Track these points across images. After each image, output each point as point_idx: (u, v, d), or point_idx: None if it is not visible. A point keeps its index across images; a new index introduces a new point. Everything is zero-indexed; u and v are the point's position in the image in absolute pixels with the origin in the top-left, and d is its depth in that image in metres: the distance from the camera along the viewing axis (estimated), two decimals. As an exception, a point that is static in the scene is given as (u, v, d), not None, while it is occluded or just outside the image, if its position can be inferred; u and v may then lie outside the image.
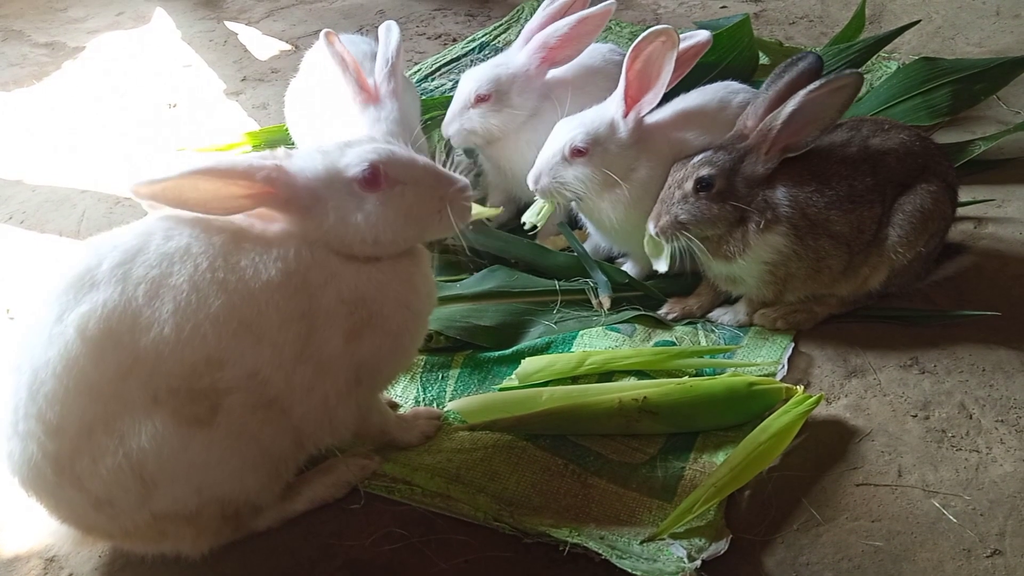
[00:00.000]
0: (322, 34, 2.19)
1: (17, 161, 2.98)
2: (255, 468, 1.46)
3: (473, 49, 3.62)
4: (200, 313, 1.35)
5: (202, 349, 1.35)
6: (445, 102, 3.01)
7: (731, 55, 3.06)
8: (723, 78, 2.95)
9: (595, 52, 2.40)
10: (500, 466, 1.72)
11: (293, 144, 2.68)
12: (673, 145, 2.09)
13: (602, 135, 2.04)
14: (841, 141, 2.00)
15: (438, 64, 3.49)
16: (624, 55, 2.46)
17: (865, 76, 2.98)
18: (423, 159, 1.53)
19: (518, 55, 2.31)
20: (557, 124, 2.11)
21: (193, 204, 1.38)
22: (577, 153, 2.03)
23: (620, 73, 2.35)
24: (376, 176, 1.46)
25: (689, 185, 1.94)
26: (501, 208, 2.43)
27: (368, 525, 1.64)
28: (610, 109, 2.07)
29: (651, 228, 2.00)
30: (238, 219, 1.46)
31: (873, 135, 2.01)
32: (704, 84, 2.31)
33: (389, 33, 2.32)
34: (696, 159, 1.96)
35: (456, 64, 3.51)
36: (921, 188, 1.96)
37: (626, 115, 2.04)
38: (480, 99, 2.30)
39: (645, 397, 1.78)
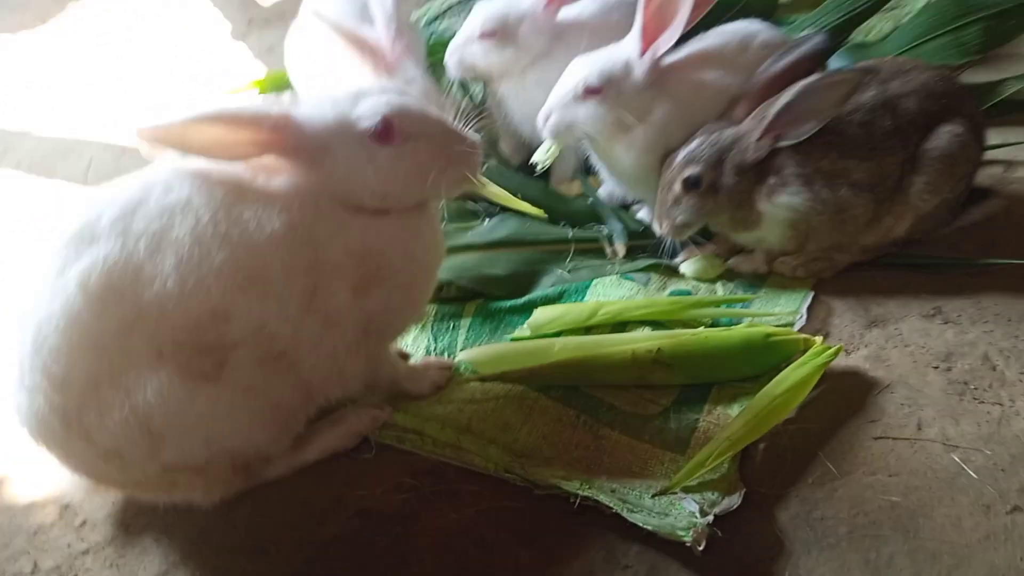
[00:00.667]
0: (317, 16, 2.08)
1: (22, 109, 2.95)
2: (264, 421, 1.45)
3: (484, -12, 3.50)
4: (203, 267, 1.32)
5: (206, 302, 1.33)
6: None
7: (749, -8, 2.95)
8: (743, 14, 2.88)
9: (609, -10, 2.31)
10: (511, 417, 1.70)
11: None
12: (691, 87, 2.01)
13: (617, 74, 1.96)
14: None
15: (448, 4, 3.39)
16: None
17: (892, 11, 2.89)
18: (436, 113, 1.48)
19: (529, -8, 2.22)
20: (571, 63, 2.04)
21: (198, 149, 1.34)
22: (590, 92, 1.96)
23: (634, 12, 2.29)
24: (389, 130, 1.40)
25: (677, 187, 1.89)
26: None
27: (379, 475, 1.63)
28: (626, 48, 1.99)
29: (655, 229, 1.96)
30: (241, 171, 1.43)
31: (892, 77, 1.91)
32: (724, 23, 2.22)
33: None
34: (680, 156, 1.90)
35: (465, 4, 3.40)
36: (946, 131, 1.88)
37: (642, 55, 1.96)
38: (485, 34, 2.22)
39: (659, 348, 1.74)
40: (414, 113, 1.44)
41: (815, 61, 1.89)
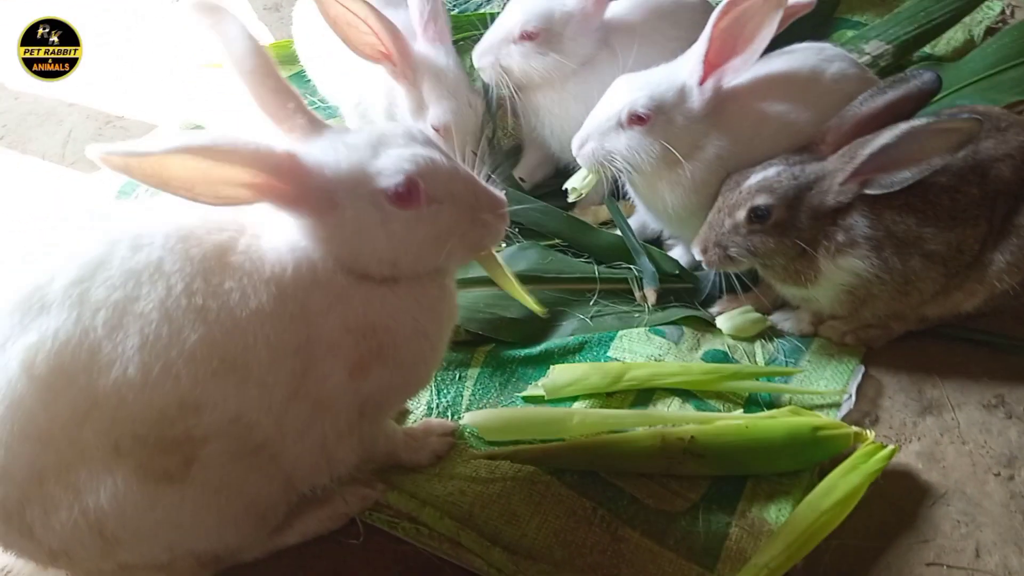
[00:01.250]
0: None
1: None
2: (236, 522, 1.25)
3: (518, -48, 3.17)
4: (172, 349, 1.10)
5: (174, 392, 1.11)
6: (480, 20, 2.66)
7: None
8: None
9: (663, -11, 2.02)
10: (519, 506, 1.50)
11: (305, 75, 2.35)
12: (752, 120, 1.75)
13: (669, 102, 1.70)
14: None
15: (476, -32, 3.07)
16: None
17: (964, 21, 2.61)
18: (464, 171, 1.23)
19: (578, -11, 1.93)
20: (616, 80, 1.77)
21: (176, 186, 1.05)
22: (637, 120, 1.70)
23: (694, 19, 2.01)
24: (411, 192, 1.15)
25: (741, 214, 1.64)
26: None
27: (367, 564, 1.45)
28: (682, 72, 1.72)
29: (696, 255, 1.71)
30: (224, 224, 1.19)
31: (986, 136, 1.66)
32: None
33: None
34: (752, 180, 1.64)
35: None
36: (1041, 205, 1.64)
37: (702, 82, 1.69)
38: (526, 35, 1.93)
39: (692, 437, 1.54)
40: (442, 173, 1.19)
41: (921, 101, 1.63)
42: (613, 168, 1.77)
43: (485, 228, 1.25)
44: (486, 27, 2.32)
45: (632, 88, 1.72)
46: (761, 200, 1.63)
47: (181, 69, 2.60)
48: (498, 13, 2.74)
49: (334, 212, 1.16)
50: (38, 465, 1.12)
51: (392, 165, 1.15)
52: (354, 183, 1.15)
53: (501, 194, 1.26)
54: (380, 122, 2.09)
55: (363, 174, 1.15)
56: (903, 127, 1.52)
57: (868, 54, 2.39)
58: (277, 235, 1.20)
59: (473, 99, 1.97)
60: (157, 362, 1.09)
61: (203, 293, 1.12)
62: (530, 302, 1.52)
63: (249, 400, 1.16)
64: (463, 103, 1.93)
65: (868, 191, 1.60)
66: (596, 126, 1.75)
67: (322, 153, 1.16)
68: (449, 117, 1.91)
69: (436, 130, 1.93)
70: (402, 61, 1.88)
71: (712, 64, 1.67)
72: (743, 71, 1.67)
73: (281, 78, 1.19)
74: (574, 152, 1.79)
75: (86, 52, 2.65)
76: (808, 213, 1.64)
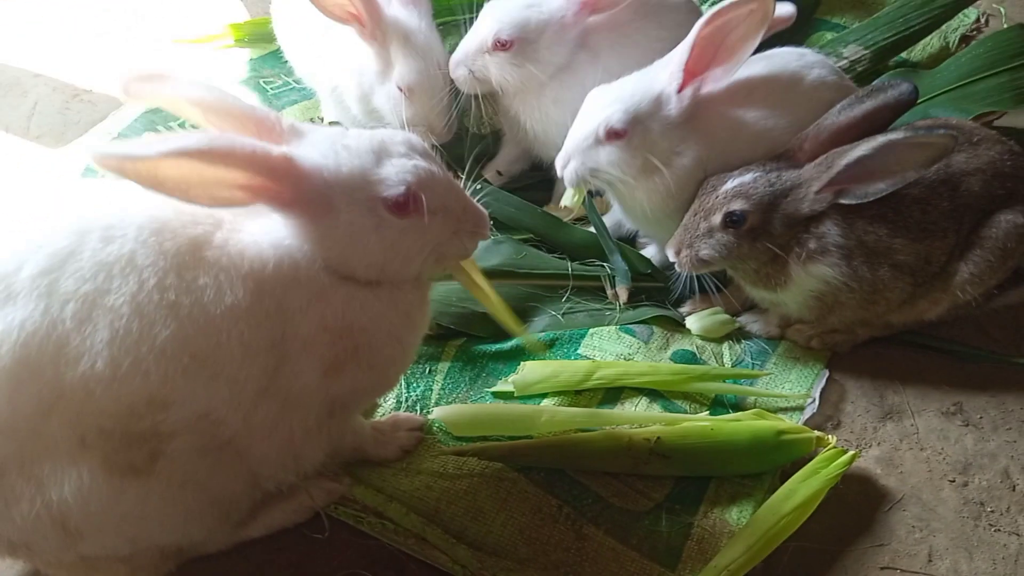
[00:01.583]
0: None
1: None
2: (200, 516, 1.24)
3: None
4: (143, 345, 1.08)
5: (143, 388, 1.09)
6: (462, 5, 2.63)
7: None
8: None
9: (646, -11, 2.00)
10: (485, 502, 1.51)
11: (281, 54, 2.30)
12: (729, 126, 1.75)
13: (644, 112, 1.70)
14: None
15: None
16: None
17: (940, 28, 2.63)
18: (457, 185, 1.26)
19: (556, -7, 1.91)
20: (590, 94, 1.76)
21: (171, 188, 1.04)
22: (614, 135, 1.70)
23: (677, 19, 2.01)
24: (409, 203, 1.17)
25: (717, 219, 1.65)
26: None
27: (331, 559, 1.45)
28: (658, 79, 1.72)
29: (670, 255, 1.72)
30: (199, 218, 1.17)
31: (958, 149, 1.68)
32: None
33: None
34: (729, 185, 1.65)
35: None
36: (1005, 220, 1.67)
37: (681, 90, 1.69)
38: (500, 44, 1.90)
39: (658, 438, 1.56)
40: (440, 186, 1.21)
41: (897, 111, 1.65)
42: (597, 182, 1.78)
43: (462, 242, 1.27)
44: (470, 11, 2.31)
45: (607, 102, 1.71)
46: (737, 206, 1.65)
47: (150, 42, 2.54)
48: (479, -1, 2.74)
49: (329, 215, 1.16)
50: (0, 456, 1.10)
51: (395, 175, 1.16)
52: (353, 188, 1.16)
53: (484, 212, 1.28)
54: (353, 105, 2.06)
55: (364, 180, 1.16)
56: (880, 140, 1.54)
57: (846, 58, 2.41)
58: (258, 230, 1.19)
59: (443, 61, 1.94)
60: (127, 357, 1.08)
61: (176, 288, 1.10)
62: (507, 319, 1.50)
63: (218, 397, 1.15)
64: (431, 64, 1.90)
65: (843, 200, 1.62)
66: (575, 144, 1.74)
67: (321, 156, 1.16)
68: (414, 77, 1.89)
69: (400, 90, 1.90)
70: (371, 21, 1.86)
71: (692, 72, 1.67)
72: (723, 80, 1.67)
73: (248, 105, 1.18)
74: (558, 172, 1.79)
75: (54, 21, 2.59)
76: (782, 220, 1.66)
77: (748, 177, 1.67)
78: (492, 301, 1.46)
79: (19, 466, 1.10)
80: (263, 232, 1.18)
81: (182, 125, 2.20)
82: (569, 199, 1.87)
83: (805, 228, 1.66)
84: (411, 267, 1.24)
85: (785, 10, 1.81)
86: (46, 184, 1.91)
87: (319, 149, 1.16)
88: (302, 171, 1.13)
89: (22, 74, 2.41)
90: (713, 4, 2.67)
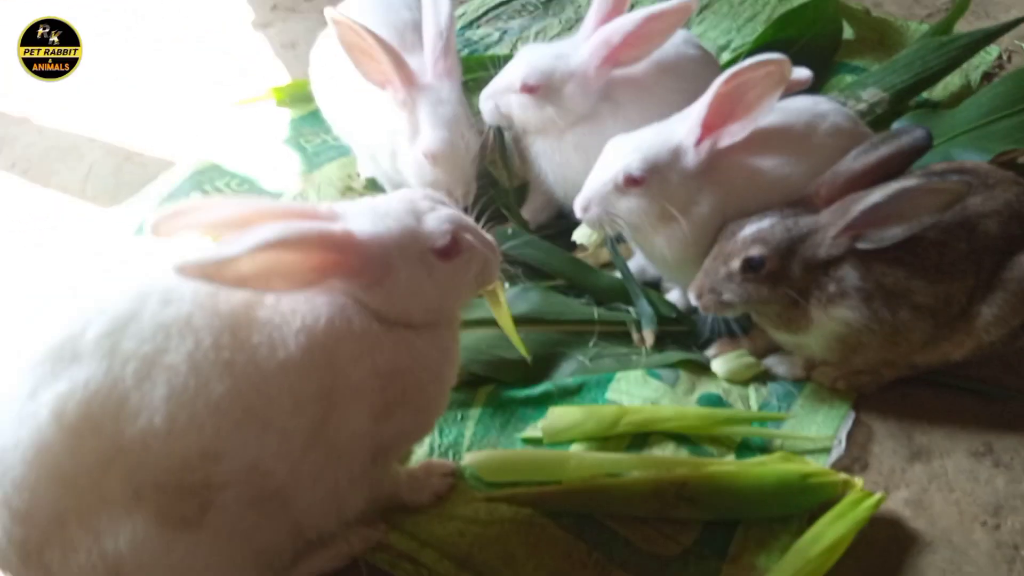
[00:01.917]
0: (328, 17, 1.88)
1: (24, 92, 2.75)
2: (245, 566, 1.31)
3: (527, -10, 3.26)
4: (199, 401, 1.17)
5: (197, 442, 1.18)
6: (489, 61, 2.74)
7: (813, 30, 2.73)
8: (803, 55, 2.65)
9: (667, 43, 2.06)
10: (517, 547, 1.56)
11: (320, 114, 2.42)
12: (746, 175, 1.80)
13: (663, 162, 1.76)
14: (936, 197, 1.72)
15: (485, 7, 3.16)
16: (701, 47, 2.18)
17: (961, 67, 2.66)
18: (471, 219, 1.39)
19: (581, 47, 2.00)
20: (610, 143, 1.84)
21: (254, 282, 1.14)
22: (632, 182, 1.77)
23: (696, 71, 2.08)
24: (455, 245, 1.31)
25: (736, 263, 1.69)
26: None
27: (368, 603, 1.51)
28: (677, 132, 1.79)
29: (692, 299, 1.77)
30: None
31: (975, 192, 1.71)
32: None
33: (437, 3, 2.02)
34: (747, 230, 1.70)
35: (506, 8, 3.17)
36: (1027, 261, 1.70)
37: (698, 143, 1.75)
38: (527, 88, 2.02)
39: (685, 482, 1.60)
40: (469, 226, 1.35)
41: (912, 157, 1.69)
42: (615, 227, 1.84)
43: (492, 266, 1.40)
44: (496, 67, 2.41)
45: (626, 151, 1.78)
46: (756, 251, 1.69)
47: (197, 104, 2.68)
48: (507, 55, 2.85)
49: (390, 275, 1.27)
50: (60, 508, 1.18)
51: (438, 226, 1.29)
52: (405, 246, 1.27)
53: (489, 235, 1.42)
54: (386, 163, 2.16)
55: (412, 238, 1.28)
56: (894, 186, 1.58)
57: (865, 101, 2.45)
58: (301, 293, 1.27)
59: (468, 135, 2.01)
60: (183, 413, 1.16)
61: (230, 347, 1.19)
62: (519, 343, 1.65)
63: (268, 448, 1.23)
64: (456, 135, 1.97)
65: (859, 245, 1.66)
66: (595, 191, 1.81)
67: (371, 225, 1.26)
68: (438, 146, 1.96)
69: (425, 157, 1.98)
70: (403, 89, 1.96)
71: (710, 127, 1.74)
72: (739, 135, 1.73)
73: (283, 204, 1.29)
74: (578, 215, 1.85)
75: (107, 86, 2.75)
76: (801, 264, 1.70)
77: (766, 223, 1.71)
78: (510, 322, 1.62)
79: (78, 517, 1.18)
80: (315, 291, 1.26)
81: (228, 185, 2.33)
82: (585, 237, 1.93)
83: (824, 272, 1.70)
84: (460, 302, 1.41)
85: (802, 74, 1.87)
86: (109, 246, 2.05)
87: (367, 220, 1.27)
88: (362, 242, 1.23)
89: (79, 139, 2.56)
90: (732, 58, 2.76)
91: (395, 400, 1.32)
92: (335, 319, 1.25)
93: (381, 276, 1.26)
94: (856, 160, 1.71)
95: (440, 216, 1.31)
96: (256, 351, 1.20)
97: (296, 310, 1.24)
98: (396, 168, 2.13)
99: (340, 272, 1.23)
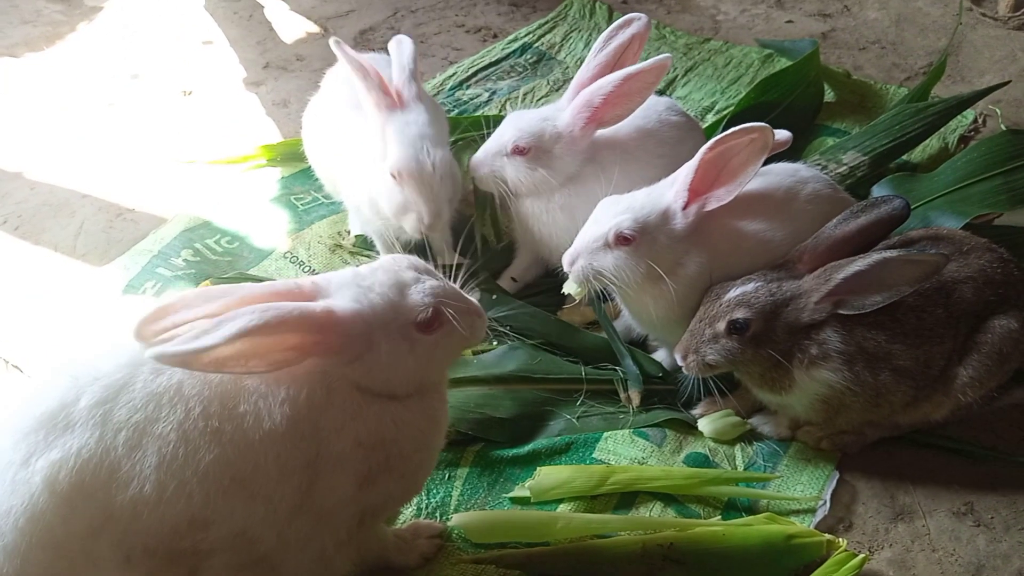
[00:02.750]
0: (331, 42, 1.99)
1: (18, 148, 2.79)
2: (234, 631, 1.31)
3: (514, 52, 3.36)
4: (187, 469, 1.18)
5: (186, 509, 1.19)
6: (476, 122, 2.81)
7: (796, 92, 2.82)
8: (785, 116, 2.73)
9: (650, 110, 2.15)
10: (504, 610, 1.56)
11: (311, 172, 2.47)
12: (731, 238, 1.86)
13: (652, 224, 1.81)
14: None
15: (475, 68, 3.24)
16: (683, 113, 2.25)
17: (939, 131, 2.75)
18: (456, 287, 1.39)
19: (565, 110, 2.07)
20: (602, 202, 1.89)
21: (233, 366, 1.16)
22: (622, 241, 1.81)
23: (679, 136, 2.15)
24: (436, 319, 1.31)
25: (721, 326, 1.74)
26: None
27: (354, 668, 1.50)
28: (666, 195, 1.84)
29: (678, 359, 1.81)
30: None
31: (950, 258, 1.77)
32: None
33: (401, 45, 2.13)
34: (732, 294, 1.75)
35: (495, 69, 3.26)
36: (999, 325, 1.74)
37: (686, 207, 1.81)
38: (517, 150, 2.08)
39: (672, 544, 1.60)
40: (451, 296, 1.36)
41: (891, 225, 1.76)
42: (602, 283, 1.87)
43: (477, 331, 1.41)
44: (483, 128, 2.47)
45: (618, 210, 1.83)
46: (740, 314, 1.73)
47: (188, 162, 2.72)
48: (496, 115, 2.92)
49: (371, 350, 1.28)
50: (51, 574, 1.18)
51: (421, 299, 1.30)
52: (387, 321, 1.29)
53: (474, 299, 1.42)
54: (370, 215, 2.20)
55: (394, 313, 1.29)
56: (875, 256, 1.63)
57: (846, 164, 2.52)
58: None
59: (435, 153, 2.01)
60: (172, 481, 1.17)
61: (219, 416, 1.21)
62: None
63: (255, 515, 1.24)
64: (420, 152, 1.99)
65: (841, 311, 1.70)
66: (584, 245, 1.85)
67: (354, 302, 1.28)
68: (402, 165, 1.99)
69: (392, 176, 2.01)
70: (376, 114, 2.03)
71: (696, 192, 1.79)
72: (725, 199, 1.78)
73: (267, 284, 1.29)
74: (565, 268, 1.89)
75: (99, 142, 2.79)
76: (784, 327, 1.74)
77: (750, 287, 1.75)
78: None
79: (68, 583, 1.18)
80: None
81: (219, 242, 2.35)
82: (573, 289, 1.96)
83: (806, 335, 1.74)
84: (442, 372, 1.41)
85: (782, 136, 1.93)
86: (100, 307, 2.06)
87: (349, 295, 1.28)
88: (343, 319, 1.25)
89: (71, 195, 2.58)
90: (716, 120, 2.83)
91: (379, 468, 1.33)
92: (316, 390, 1.27)
93: (361, 352, 1.27)
94: (837, 228, 1.76)
95: (423, 289, 1.31)
96: (243, 420, 1.22)
97: (280, 380, 1.26)
98: (384, 220, 2.16)
99: (319, 351, 1.25)
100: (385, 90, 2.03)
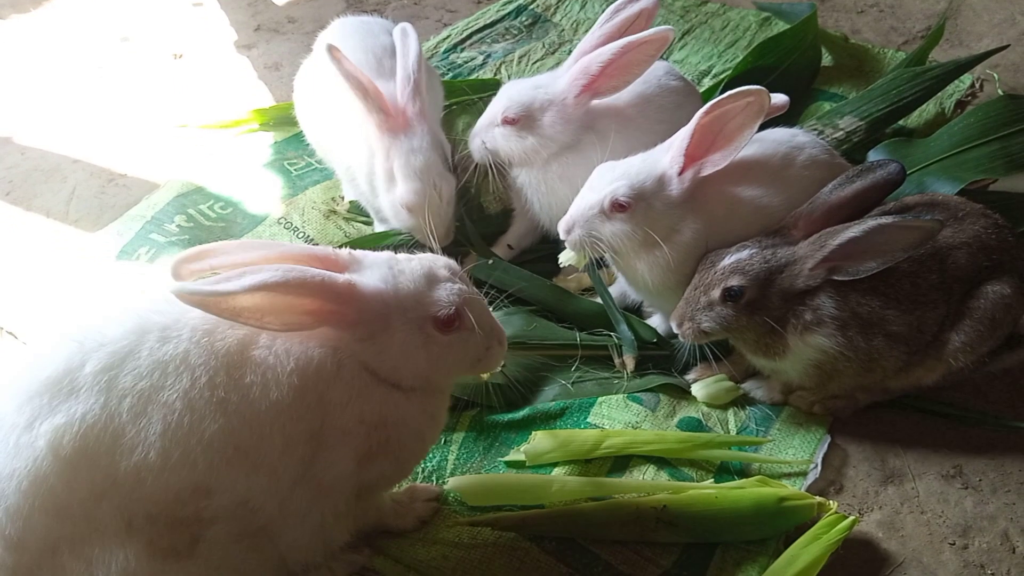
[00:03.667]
0: (327, 49, 1.93)
1: (8, 110, 2.75)
2: (233, 598, 1.33)
3: (509, 14, 3.32)
4: (192, 438, 1.19)
5: (190, 477, 1.20)
6: (472, 85, 2.79)
7: (793, 56, 2.80)
8: (782, 81, 2.72)
9: (649, 75, 2.11)
10: (499, 571, 1.58)
11: (303, 137, 2.44)
12: (726, 203, 1.85)
13: (648, 190, 1.81)
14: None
15: (469, 30, 3.20)
16: (682, 78, 2.23)
17: (936, 95, 2.73)
18: (487, 307, 1.42)
19: (562, 78, 2.05)
20: (597, 169, 1.88)
21: (247, 317, 1.18)
22: (618, 208, 1.81)
23: (677, 102, 2.13)
24: (455, 320, 1.32)
25: (716, 293, 1.75)
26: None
27: (352, 627, 1.53)
28: (662, 161, 1.83)
29: (674, 326, 1.82)
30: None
31: (944, 224, 1.77)
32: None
33: (406, 39, 2.07)
34: (727, 261, 1.75)
35: (489, 31, 3.22)
36: (993, 291, 1.75)
37: (682, 172, 1.80)
38: (507, 120, 2.06)
39: (665, 506, 1.63)
40: (478, 306, 1.38)
41: (886, 190, 1.75)
42: (598, 251, 1.87)
43: (493, 356, 1.43)
44: (476, 91, 2.44)
45: (613, 177, 1.83)
46: (735, 281, 1.74)
47: (180, 127, 2.69)
48: (491, 79, 2.89)
49: (385, 332, 1.29)
50: (53, 537, 1.19)
51: (446, 297, 1.32)
52: (407, 308, 1.30)
53: (504, 330, 1.45)
54: (364, 186, 2.18)
55: (417, 302, 1.31)
56: (870, 223, 1.63)
57: (842, 129, 2.51)
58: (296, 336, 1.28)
59: (441, 182, 2.05)
60: (177, 449, 1.18)
61: (225, 386, 1.21)
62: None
63: (258, 485, 1.25)
64: (427, 185, 2.03)
65: (836, 277, 1.70)
66: (580, 213, 1.85)
67: (381, 281, 1.30)
68: (412, 199, 2.03)
69: (401, 207, 2.05)
70: (378, 134, 2.02)
71: (692, 157, 1.78)
72: (721, 164, 1.77)
73: (306, 247, 1.32)
74: (561, 236, 1.89)
75: (90, 107, 2.76)
76: (778, 294, 1.74)
77: (745, 254, 1.76)
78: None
79: (71, 546, 1.20)
80: (310, 333, 1.28)
81: (212, 208, 2.34)
82: (569, 258, 1.96)
83: (801, 301, 1.75)
84: (451, 377, 1.42)
85: (779, 99, 1.92)
86: (97, 273, 2.05)
87: (378, 274, 1.30)
88: (364, 295, 1.26)
89: (62, 160, 2.56)
90: (713, 85, 2.81)
91: (378, 448, 1.35)
92: (327, 364, 1.28)
93: (375, 332, 1.29)
94: (832, 193, 1.76)
95: (451, 289, 1.33)
96: (249, 391, 1.22)
97: (290, 352, 1.26)
98: (375, 193, 2.16)
99: (335, 321, 1.26)
100: (386, 110, 2.00)
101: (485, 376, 1.65)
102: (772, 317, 1.75)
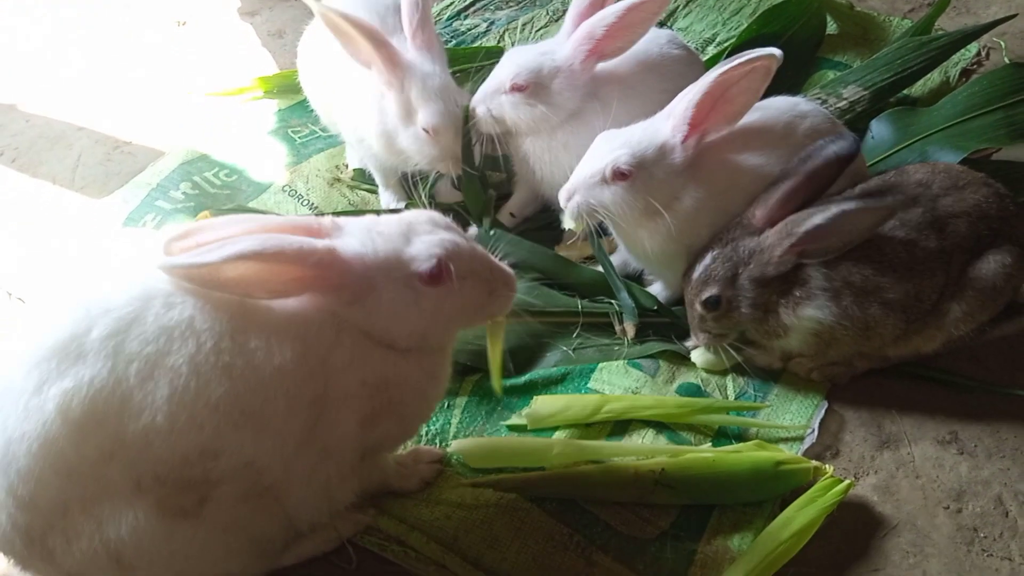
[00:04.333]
0: (312, 6, 1.92)
1: (11, 80, 2.76)
2: (240, 554, 1.37)
3: (513, -20, 3.28)
4: (199, 401, 1.21)
5: (196, 440, 1.22)
6: (474, 54, 2.77)
7: (797, 24, 2.78)
8: (786, 49, 2.69)
9: (651, 43, 2.11)
10: (501, 530, 1.62)
11: (307, 104, 2.45)
12: (728, 172, 1.86)
13: (650, 158, 1.82)
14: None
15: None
16: (685, 46, 2.23)
17: (941, 64, 2.72)
18: (481, 250, 1.39)
19: (565, 44, 2.04)
20: (599, 137, 1.88)
21: (232, 287, 1.21)
22: (619, 176, 1.82)
23: (679, 70, 2.13)
24: (441, 272, 1.31)
25: (699, 308, 1.81)
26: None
27: (357, 584, 1.57)
28: (663, 128, 1.84)
29: (695, 342, 1.92)
30: None
31: (944, 193, 1.78)
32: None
33: None
34: (696, 274, 1.81)
35: (492, -1, 3.20)
36: (994, 259, 1.76)
37: (685, 140, 1.81)
38: (516, 88, 2.05)
39: (663, 469, 1.66)
40: (466, 254, 1.35)
41: (840, 166, 1.76)
42: (598, 219, 1.89)
43: (500, 299, 1.41)
44: (480, 60, 2.43)
45: (615, 145, 1.83)
46: (708, 292, 1.80)
47: (185, 95, 2.70)
48: (494, 47, 2.88)
49: (372, 294, 1.31)
50: (63, 497, 1.22)
51: (424, 250, 1.31)
52: (389, 268, 1.31)
53: (511, 271, 1.42)
54: (376, 146, 2.19)
55: (398, 260, 1.31)
56: (834, 209, 1.67)
57: (846, 99, 2.51)
58: (304, 296, 1.31)
59: (459, 99, 2.07)
60: (184, 412, 1.21)
61: (230, 351, 1.23)
62: (497, 378, 1.59)
63: (264, 447, 1.28)
64: (450, 103, 2.03)
65: (804, 260, 1.74)
66: (581, 181, 1.85)
67: (359, 244, 1.31)
68: (438, 120, 2.02)
69: (426, 131, 2.04)
70: (389, 69, 2.00)
71: (695, 125, 1.79)
72: (725, 131, 1.78)
73: (290, 218, 1.34)
74: (561, 204, 1.89)
75: (95, 74, 2.76)
76: (752, 283, 1.78)
77: (708, 259, 1.81)
78: (499, 359, 1.56)
79: (81, 506, 1.23)
80: (309, 298, 1.31)
81: (217, 176, 2.36)
82: (570, 223, 1.97)
83: (786, 279, 1.77)
84: (451, 331, 1.41)
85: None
86: (103, 239, 2.08)
87: (357, 238, 1.31)
88: (345, 260, 1.28)
89: (67, 128, 2.57)
90: (717, 53, 2.80)
91: (381, 409, 1.38)
92: (327, 329, 1.30)
93: (360, 294, 1.30)
94: (787, 179, 1.77)
95: (429, 241, 1.32)
96: (254, 355, 1.25)
97: (288, 321, 1.29)
98: (389, 152, 2.16)
99: (318, 286, 1.28)
100: (389, 50, 1.98)
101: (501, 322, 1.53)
102: (757, 306, 1.78)
